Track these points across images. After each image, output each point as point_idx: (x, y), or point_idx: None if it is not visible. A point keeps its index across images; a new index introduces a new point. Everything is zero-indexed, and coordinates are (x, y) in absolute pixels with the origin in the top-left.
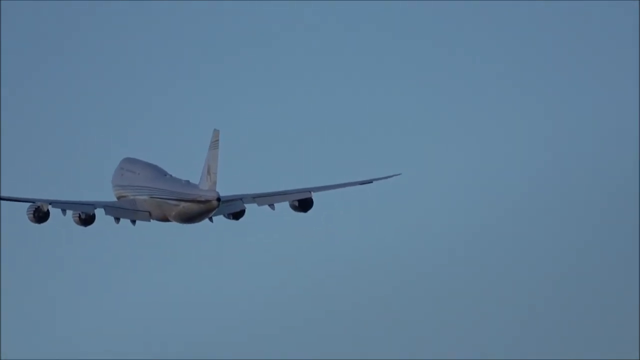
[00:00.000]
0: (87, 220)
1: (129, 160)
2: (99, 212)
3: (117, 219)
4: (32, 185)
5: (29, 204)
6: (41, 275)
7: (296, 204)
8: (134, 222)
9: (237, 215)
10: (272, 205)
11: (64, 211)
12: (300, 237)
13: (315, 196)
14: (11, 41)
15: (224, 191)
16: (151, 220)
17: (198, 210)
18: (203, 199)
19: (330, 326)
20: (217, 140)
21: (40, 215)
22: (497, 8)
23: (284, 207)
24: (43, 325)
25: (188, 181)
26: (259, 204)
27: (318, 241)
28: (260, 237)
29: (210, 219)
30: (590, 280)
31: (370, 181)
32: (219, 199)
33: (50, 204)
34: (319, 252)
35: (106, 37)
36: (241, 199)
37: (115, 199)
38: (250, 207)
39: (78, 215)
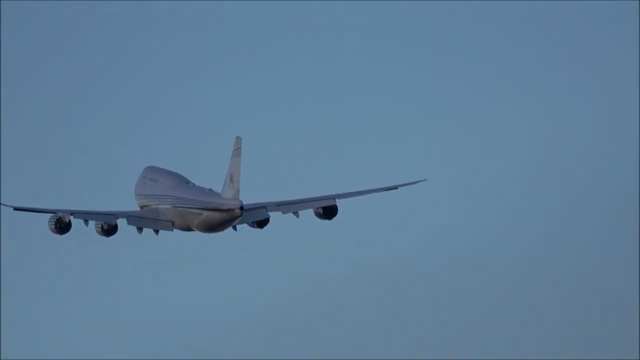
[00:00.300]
0: (109, 230)
1: (151, 169)
2: (121, 222)
3: (140, 229)
4: (51, 195)
5: (49, 214)
6: (64, 286)
7: (321, 211)
8: (156, 231)
9: (262, 223)
10: (296, 213)
11: (85, 222)
12: (325, 244)
13: (340, 203)
14: (12, 41)
15: (247, 199)
16: (174, 229)
17: (221, 219)
18: (226, 208)
19: (357, 332)
20: (240, 147)
21: (62, 226)
22: (502, 8)
23: (308, 214)
24: (67, 336)
25: (211, 190)
26: (283, 212)
27: (343, 248)
28: (285, 245)
29: (234, 228)
30: (594, 281)
31: (395, 187)
32: (242, 208)
33: (71, 214)
34: (345, 259)
35: (122, 40)
36: (265, 207)
37: (138, 208)
38: (274, 215)
39: (100, 225)
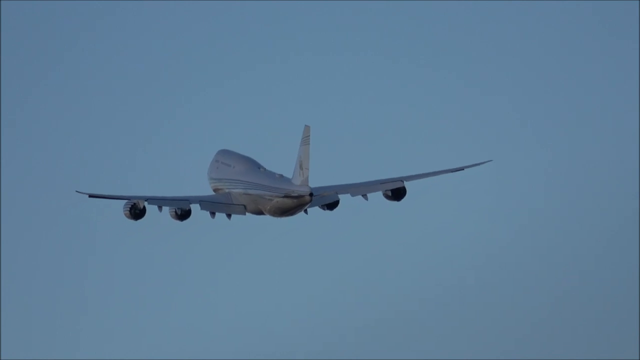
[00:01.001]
0: (183, 215)
1: (224, 153)
2: (195, 207)
3: (213, 214)
4: (122, 181)
5: (124, 201)
6: (142, 271)
7: (389, 193)
8: (229, 215)
9: (332, 206)
10: (365, 195)
11: (159, 207)
12: (394, 225)
13: (407, 185)
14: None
15: (317, 182)
16: (246, 213)
17: (291, 204)
18: (296, 194)
19: (428, 313)
20: (308, 135)
21: (136, 212)
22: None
23: (377, 196)
24: (149, 321)
25: (281, 175)
26: (353, 195)
27: (413, 229)
28: (355, 227)
29: (305, 211)
30: (596, 281)
31: (461, 168)
32: (311, 194)
33: (146, 200)
34: (414, 240)
35: (199, 31)
36: (335, 190)
37: (211, 191)
38: (344, 198)
39: (174, 211)
